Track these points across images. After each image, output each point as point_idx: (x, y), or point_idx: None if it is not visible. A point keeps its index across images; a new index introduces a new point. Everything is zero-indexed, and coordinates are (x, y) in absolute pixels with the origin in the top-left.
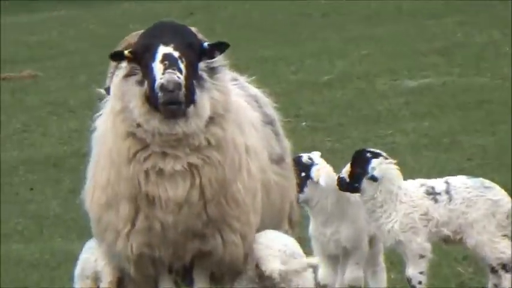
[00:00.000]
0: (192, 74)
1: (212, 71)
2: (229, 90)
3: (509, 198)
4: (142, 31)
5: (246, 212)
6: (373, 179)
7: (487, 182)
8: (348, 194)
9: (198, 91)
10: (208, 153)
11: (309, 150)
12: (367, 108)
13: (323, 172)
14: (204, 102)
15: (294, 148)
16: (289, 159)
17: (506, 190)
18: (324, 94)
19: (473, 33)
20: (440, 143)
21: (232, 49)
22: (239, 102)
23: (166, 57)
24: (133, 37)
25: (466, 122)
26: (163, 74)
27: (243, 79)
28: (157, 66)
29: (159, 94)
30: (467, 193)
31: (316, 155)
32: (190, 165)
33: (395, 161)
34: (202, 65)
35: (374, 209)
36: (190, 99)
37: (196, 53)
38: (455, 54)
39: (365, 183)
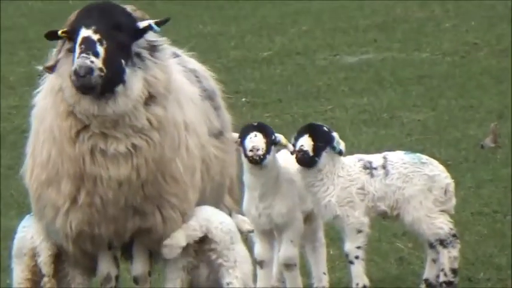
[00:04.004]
0: (120, 55)
1: (153, 48)
2: (171, 69)
3: (447, 174)
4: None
5: (184, 189)
6: (340, 153)
7: (425, 158)
8: (280, 170)
9: (129, 71)
10: (150, 134)
11: None
12: (306, 84)
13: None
14: (135, 82)
15: (234, 124)
16: (229, 134)
17: (445, 165)
18: (263, 70)
19: (414, 8)
20: (380, 118)
21: (172, 25)
22: (178, 78)
23: (84, 40)
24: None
25: (406, 98)
26: (78, 58)
27: (184, 54)
28: (77, 50)
29: (73, 78)
30: (404, 168)
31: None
32: (133, 146)
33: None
34: (142, 43)
35: (314, 182)
36: (118, 79)
37: (127, 33)
38: (395, 30)
39: (323, 157)
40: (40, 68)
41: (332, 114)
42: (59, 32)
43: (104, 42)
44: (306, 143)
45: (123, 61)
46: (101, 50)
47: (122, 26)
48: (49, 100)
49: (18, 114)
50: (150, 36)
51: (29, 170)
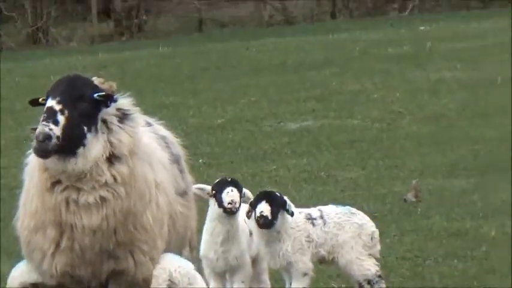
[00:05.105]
0: (82, 122)
1: (124, 116)
2: (138, 134)
3: (373, 223)
4: None
5: (154, 238)
6: (292, 214)
7: (353, 209)
8: (236, 221)
9: (91, 135)
10: (116, 188)
11: (205, 183)
12: (254, 147)
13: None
14: (95, 145)
15: (193, 182)
16: (191, 192)
17: (373, 217)
18: (217, 135)
19: (347, 82)
20: (318, 177)
21: (141, 97)
22: (151, 144)
23: (47, 110)
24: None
25: (340, 159)
26: (39, 125)
27: (155, 123)
28: (41, 118)
29: (34, 142)
30: (338, 218)
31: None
32: (101, 198)
33: None
34: (112, 111)
35: (272, 239)
36: (79, 143)
37: (91, 103)
38: (331, 100)
39: (279, 219)
40: (27, 132)
41: (276, 173)
42: (40, 100)
43: (66, 111)
44: (265, 209)
45: (85, 127)
46: (61, 118)
47: (86, 97)
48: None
49: (7, 173)
50: (123, 105)
51: (21, 219)
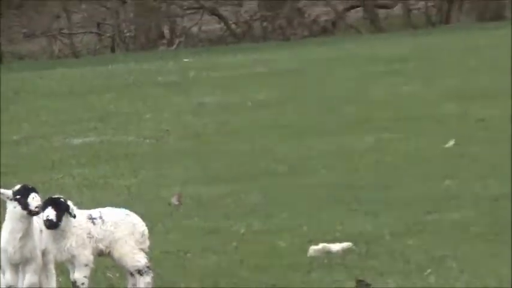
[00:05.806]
0: None
1: None
2: None
3: (143, 223)
4: None
5: None
6: (74, 216)
7: (127, 211)
8: (33, 220)
9: None
10: None
11: (2, 188)
12: (45, 159)
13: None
14: None
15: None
16: None
17: (144, 218)
18: (14, 149)
19: (122, 105)
20: (97, 183)
21: None
22: None
23: None
24: None
25: (115, 169)
26: None
27: None
28: None
29: None
30: (115, 218)
31: None
32: None
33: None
34: None
35: (59, 237)
36: None
37: None
38: (111, 120)
39: (63, 221)
40: None
41: (63, 181)
42: None
43: None
44: (50, 213)
45: None
46: None
47: None
48: None
49: None
50: None
51: None
